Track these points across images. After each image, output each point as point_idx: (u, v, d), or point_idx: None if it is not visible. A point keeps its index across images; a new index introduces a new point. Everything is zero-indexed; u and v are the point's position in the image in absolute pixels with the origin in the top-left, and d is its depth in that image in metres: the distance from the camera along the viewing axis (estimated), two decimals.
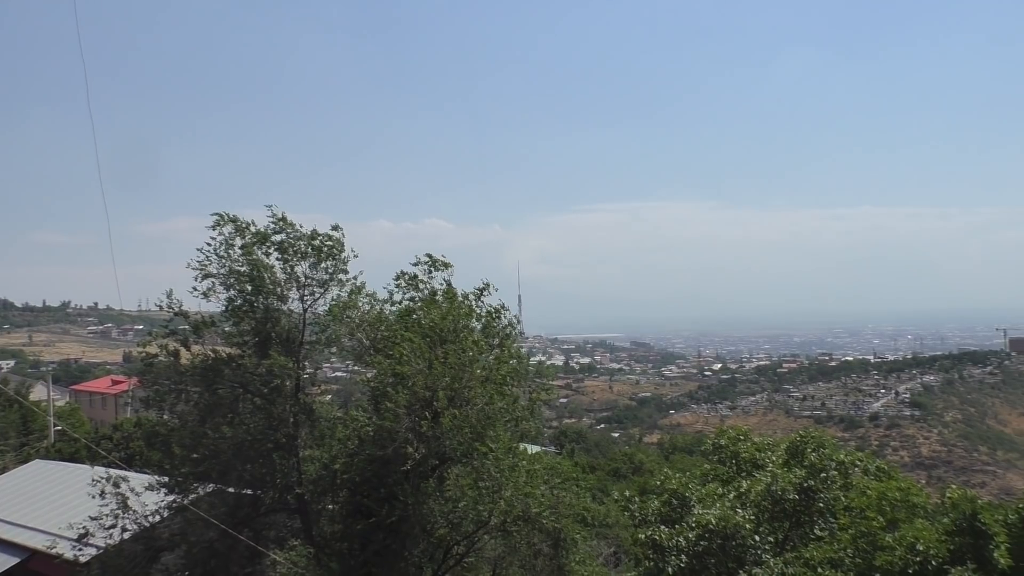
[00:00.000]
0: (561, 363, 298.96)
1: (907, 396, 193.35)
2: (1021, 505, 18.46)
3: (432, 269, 18.74)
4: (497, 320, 18.55)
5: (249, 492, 17.49)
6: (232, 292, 17.54)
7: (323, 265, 17.85)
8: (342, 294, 18.32)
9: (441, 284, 18.72)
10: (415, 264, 18.86)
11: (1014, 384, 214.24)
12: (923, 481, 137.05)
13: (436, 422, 15.42)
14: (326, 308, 18.32)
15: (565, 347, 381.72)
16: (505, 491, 15.89)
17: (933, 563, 16.62)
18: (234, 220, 17.42)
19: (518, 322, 19.44)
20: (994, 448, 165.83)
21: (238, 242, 17.37)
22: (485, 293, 18.80)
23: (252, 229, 17.45)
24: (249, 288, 17.29)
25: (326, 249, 17.71)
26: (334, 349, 19.34)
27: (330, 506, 17.88)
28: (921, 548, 16.79)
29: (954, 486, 20.84)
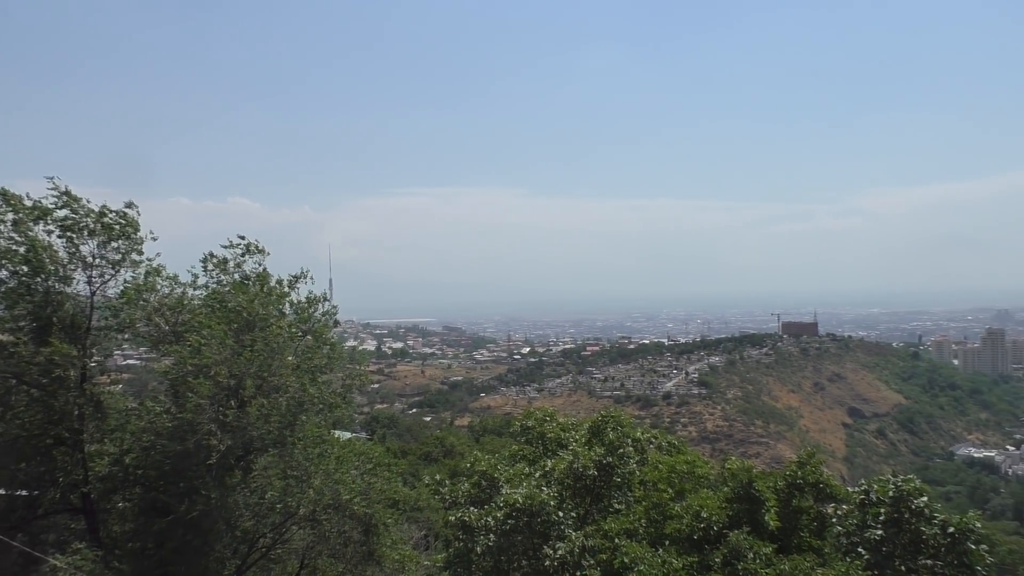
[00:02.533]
0: (373, 348, 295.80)
1: (696, 376, 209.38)
2: (788, 473, 20.69)
3: (246, 253, 17.85)
4: (313, 307, 18.07)
5: (24, 493, 15.91)
6: (3, 273, 15.78)
7: (114, 245, 16.40)
8: (137, 276, 17.02)
9: (254, 268, 17.89)
10: (227, 247, 17.87)
11: (785, 364, 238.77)
12: (708, 454, 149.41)
13: (242, 411, 14.81)
14: (119, 291, 16.93)
15: (378, 332, 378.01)
16: (315, 479, 15.60)
17: (715, 528, 18.25)
18: (3, 193, 15.66)
19: (332, 308, 19.04)
20: (768, 422, 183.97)
21: (9, 217, 15.62)
22: (301, 280, 18.21)
23: (27, 203, 15.76)
24: (25, 269, 15.64)
25: (118, 228, 16.33)
26: (127, 335, 17.89)
27: (121, 504, 16.65)
28: (705, 515, 18.37)
29: (733, 457, 22.89)
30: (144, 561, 15.10)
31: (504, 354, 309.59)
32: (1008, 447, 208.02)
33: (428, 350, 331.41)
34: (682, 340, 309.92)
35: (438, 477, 24.60)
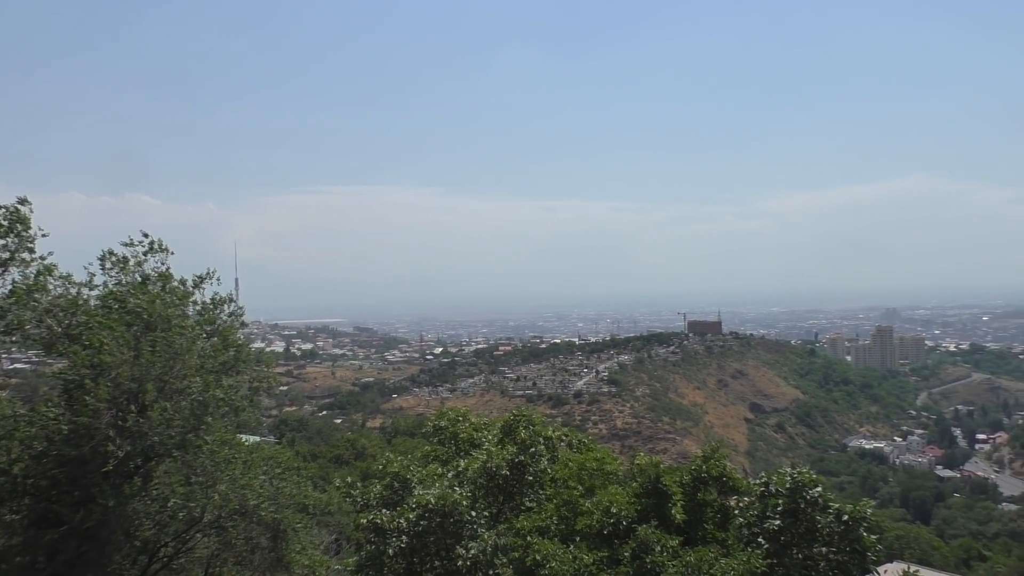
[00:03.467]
0: (282, 349, 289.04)
1: (606, 374, 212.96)
2: (693, 467, 21.35)
3: (149, 252, 17.10)
4: (219, 308, 17.51)
5: None
6: None
7: (1, 242, 15.54)
8: (27, 275, 16.10)
9: (157, 268, 17.17)
10: (127, 244, 17.09)
11: (691, 361, 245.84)
12: (618, 450, 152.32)
13: (143, 416, 14.24)
14: (6, 291, 15.97)
15: (286, 333, 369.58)
16: (220, 485, 15.15)
17: (624, 523, 18.65)
18: None
19: (239, 308, 18.50)
20: (675, 418, 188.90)
21: None
22: (207, 280, 17.61)
23: None
24: None
25: (6, 224, 15.42)
26: (16, 338, 16.91)
27: (8, 517, 15.73)
28: (614, 511, 18.76)
29: (642, 453, 23.49)
30: (34, 575, 14.34)
31: (416, 354, 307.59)
32: (896, 438, 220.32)
33: (339, 351, 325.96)
34: (592, 339, 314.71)
35: (349, 480, 24.26)
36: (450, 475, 22.20)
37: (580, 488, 21.09)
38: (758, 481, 20.05)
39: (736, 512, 20.34)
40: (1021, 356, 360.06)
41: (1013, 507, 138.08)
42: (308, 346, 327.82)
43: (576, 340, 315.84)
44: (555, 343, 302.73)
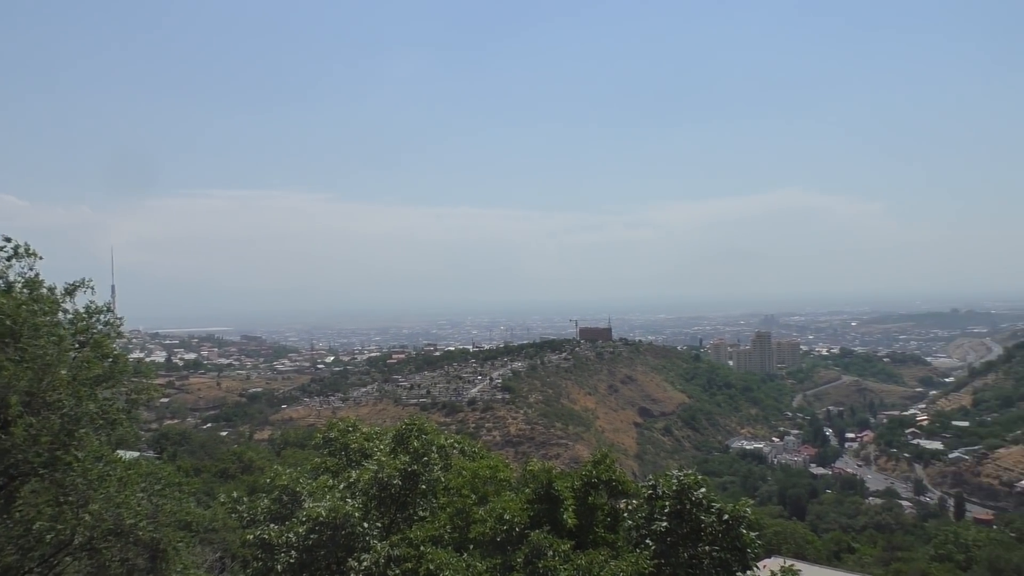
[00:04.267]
0: (163, 359, 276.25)
1: (499, 381, 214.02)
2: (584, 472, 21.76)
3: (14, 257, 15.91)
4: (94, 317, 16.52)
5: None
6: None
7: None
8: None
9: (23, 274, 15.98)
10: None
11: (582, 367, 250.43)
12: (511, 457, 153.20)
13: (6, 432, 13.28)
14: None
15: (168, 342, 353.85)
16: (93, 504, 14.28)
17: (517, 529, 18.80)
18: None
19: (115, 317, 17.52)
20: (567, 424, 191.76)
21: None
22: (80, 288, 16.57)
23: None
24: None
25: None
26: None
27: None
28: (508, 517, 18.89)
29: (535, 460, 23.76)
30: None
31: (307, 363, 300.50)
32: (774, 439, 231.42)
33: (225, 360, 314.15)
34: (487, 347, 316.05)
35: (235, 494, 23.46)
36: (341, 487, 21.82)
37: (473, 496, 21.12)
38: (646, 484, 20.64)
39: (625, 515, 20.87)
40: (885, 359, 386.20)
41: (878, 501, 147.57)
42: (192, 356, 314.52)
43: (470, 348, 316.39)
44: (449, 351, 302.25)
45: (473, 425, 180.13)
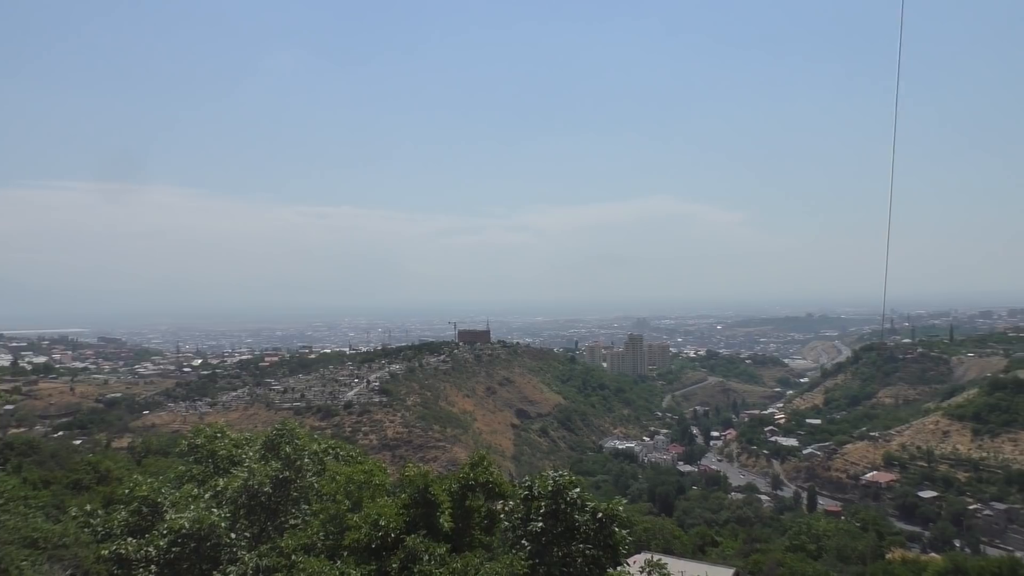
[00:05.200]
0: (8, 363, 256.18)
1: (377, 384, 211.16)
2: (461, 475, 21.74)
3: None
4: None
5: None
6: None
7: None
8: None
9: None
10: None
11: (461, 370, 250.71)
12: (389, 461, 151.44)
13: None
14: None
15: (14, 345, 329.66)
16: None
17: (393, 535, 18.56)
18: None
19: None
20: (445, 426, 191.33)
21: None
22: None
23: None
24: None
25: None
26: None
27: None
28: (383, 523, 18.61)
29: (412, 463, 23.50)
30: None
31: (172, 367, 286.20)
32: (645, 438, 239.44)
33: (80, 364, 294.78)
34: (364, 349, 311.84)
35: (89, 507, 21.99)
36: (207, 496, 20.87)
37: (347, 502, 20.69)
38: (522, 485, 20.84)
39: (502, 516, 21.00)
40: (747, 361, 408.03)
41: (740, 496, 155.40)
42: (42, 359, 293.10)
43: (347, 350, 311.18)
44: (325, 353, 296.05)
45: (349, 429, 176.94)
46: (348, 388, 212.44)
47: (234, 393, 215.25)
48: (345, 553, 18.83)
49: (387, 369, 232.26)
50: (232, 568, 18.16)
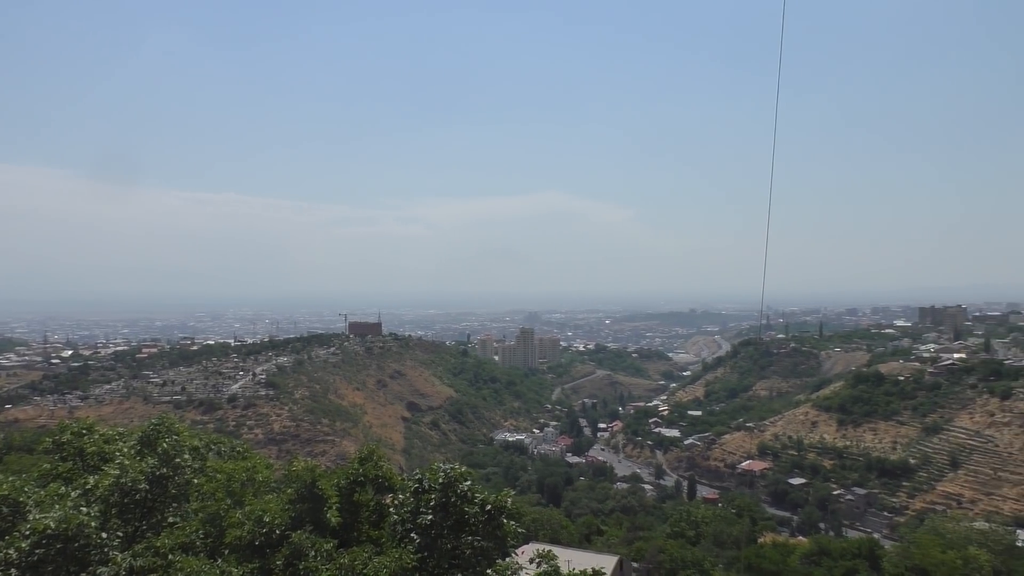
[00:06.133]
0: None
1: (263, 377, 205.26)
2: (350, 470, 21.41)
3: None
4: None
5: None
6: None
7: None
8: None
9: None
10: None
11: (351, 363, 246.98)
12: (275, 456, 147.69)
13: None
14: None
15: None
16: None
17: (277, 531, 18.08)
18: None
19: None
20: (334, 420, 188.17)
21: None
22: None
23: None
24: None
25: None
26: None
27: None
28: (267, 520, 18.10)
29: (299, 458, 22.92)
30: None
31: (39, 358, 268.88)
32: (535, 430, 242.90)
33: None
34: (250, 341, 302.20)
35: None
36: (75, 494, 19.70)
37: (229, 499, 20.02)
38: (413, 478, 20.73)
39: (391, 510, 20.83)
40: (634, 355, 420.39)
41: (625, 486, 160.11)
42: None
43: (232, 341, 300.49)
44: (208, 344, 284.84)
45: (233, 423, 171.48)
46: (233, 381, 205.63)
47: (108, 386, 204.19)
48: (226, 551, 18.24)
49: (274, 362, 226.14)
50: (103, 569, 17.23)
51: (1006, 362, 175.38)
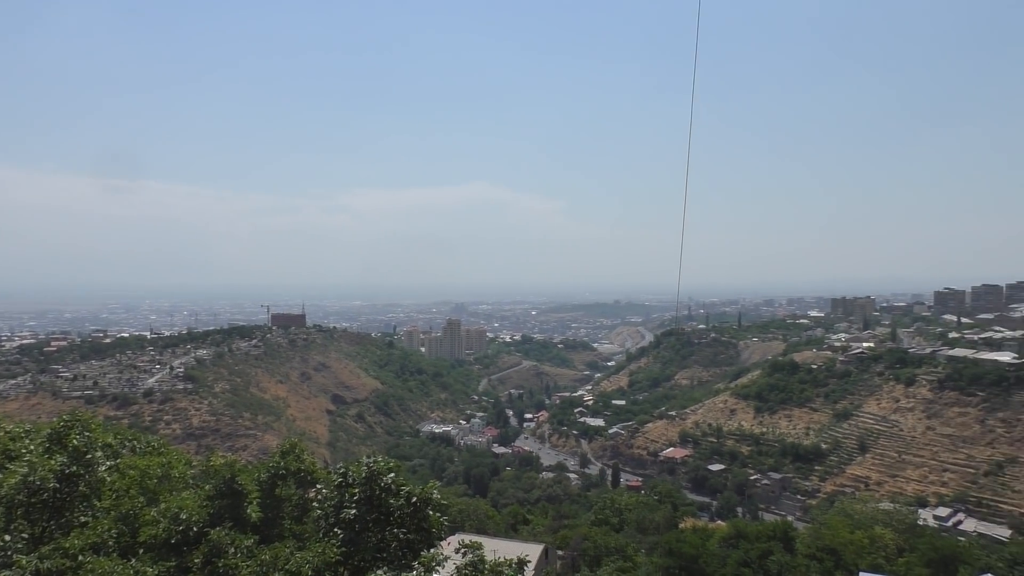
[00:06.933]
0: None
1: (181, 370, 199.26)
2: (272, 464, 21.01)
3: None
4: None
5: None
6: None
7: None
8: None
9: None
10: None
11: (274, 355, 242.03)
12: (194, 451, 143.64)
13: None
14: None
15: None
16: None
17: (195, 528, 17.61)
18: None
19: None
20: (256, 413, 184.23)
21: None
22: None
23: None
24: None
25: None
26: None
27: None
28: (184, 517, 17.62)
29: (219, 453, 22.41)
30: None
31: None
32: (461, 422, 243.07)
33: None
34: (167, 333, 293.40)
35: None
36: None
37: (143, 497, 19.39)
38: (337, 472, 20.49)
39: (315, 504, 20.54)
40: (560, 345, 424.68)
41: (550, 475, 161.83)
42: None
43: (148, 334, 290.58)
44: (123, 337, 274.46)
45: (150, 418, 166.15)
46: (149, 375, 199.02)
47: (13, 381, 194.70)
48: (141, 551, 17.67)
49: (193, 355, 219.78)
50: (7, 572, 16.48)
51: (910, 350, 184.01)
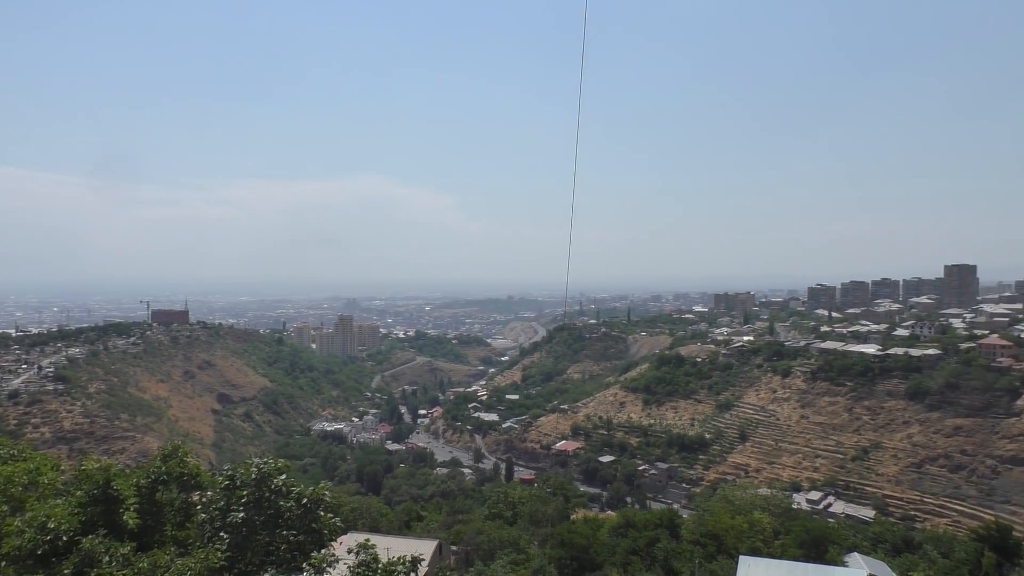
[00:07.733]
0: None
1: (51, 370, 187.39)
2: (152, 468, 19.98)
3: None
4: None
5: None
6: None
7: None
8: None
9: None
10: None
11: (155, 353, 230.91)
12: (66, 455, 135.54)
13: None
14: None
15: None
16: None
17: (65, 537, 16.53)
18: None
19: None
20: (135, 415, 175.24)
21: None
22: None
23: None
24: None
25: None
26: None
27: None
28: (52, 525, 16.50)
29: (93, 457, 21.07)
30: None
31: None
32: (354, 419, 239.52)
33: None
34: (35, 331, 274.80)
35: None
36: None
37: (6, 506, 18.05)
38: (223, 474, 19.70)
39: (199, 508, 19.71)
40: (454, 341, 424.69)
41: (445, 471, 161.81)
42: None
43: (13, 332, 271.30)
44: None
45: (15, 421, 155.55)
46: (14, 375, 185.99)
47: None
48: (3, 563, 16.47)
49: (64, 353, 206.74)
50: None
51: (786, 343, 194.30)
